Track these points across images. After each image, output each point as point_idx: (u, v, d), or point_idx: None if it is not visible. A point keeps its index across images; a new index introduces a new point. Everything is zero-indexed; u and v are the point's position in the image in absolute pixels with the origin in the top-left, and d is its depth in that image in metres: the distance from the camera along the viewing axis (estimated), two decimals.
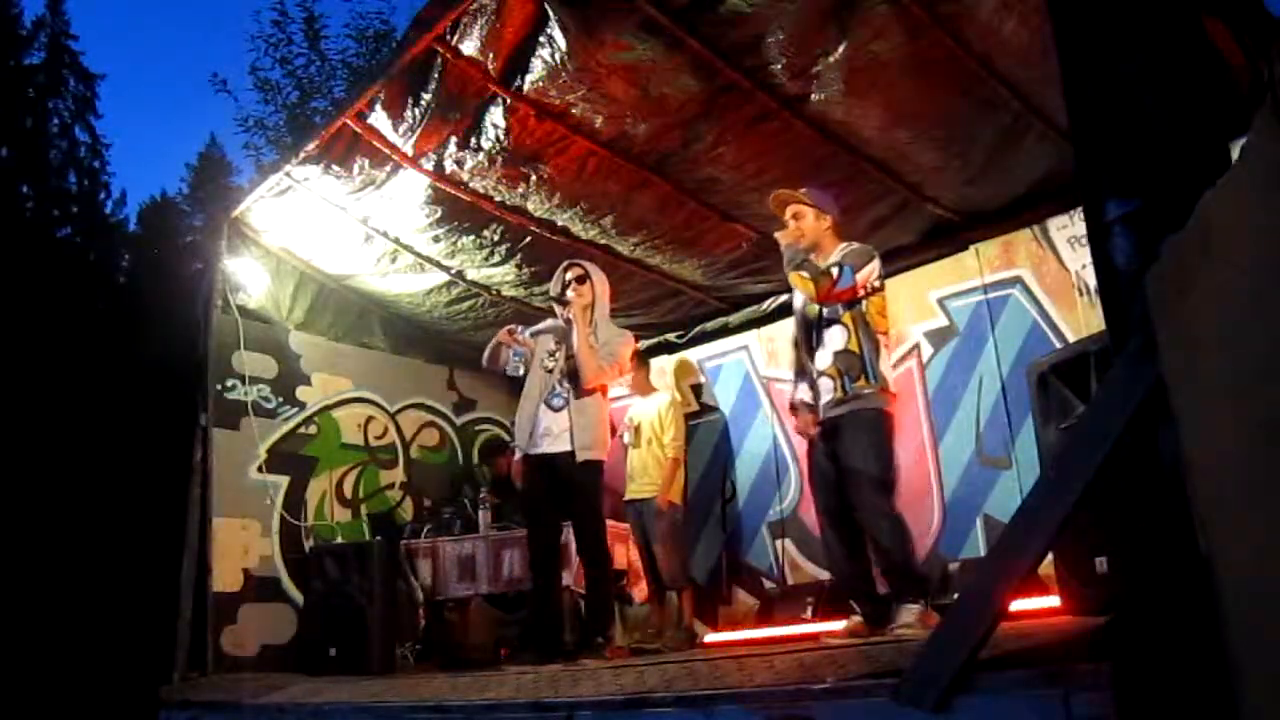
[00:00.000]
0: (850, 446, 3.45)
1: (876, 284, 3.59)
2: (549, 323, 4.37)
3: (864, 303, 3.55)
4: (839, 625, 3.56)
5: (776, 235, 3.67)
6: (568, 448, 4.01)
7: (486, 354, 4.26)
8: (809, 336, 3.67)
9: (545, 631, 4.03)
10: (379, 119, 4.19)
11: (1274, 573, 1.35)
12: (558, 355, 4.17)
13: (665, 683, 2.29)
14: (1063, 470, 1.62)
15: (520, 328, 4.29)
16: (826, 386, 3.56)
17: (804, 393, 3.72)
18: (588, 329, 4.10)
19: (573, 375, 4.09)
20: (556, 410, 4.08)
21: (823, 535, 3.68)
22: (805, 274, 3.48)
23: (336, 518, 5.51)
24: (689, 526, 5.45)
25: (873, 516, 3.40)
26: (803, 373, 3.74)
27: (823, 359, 3.58)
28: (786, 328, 5.56)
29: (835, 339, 3.55)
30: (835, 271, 3.46)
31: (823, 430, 3.59)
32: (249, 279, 5.28)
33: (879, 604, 3.47)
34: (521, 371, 4.19)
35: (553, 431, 4.06)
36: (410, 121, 4.16)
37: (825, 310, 3.58)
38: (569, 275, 4.21)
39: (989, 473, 4.70)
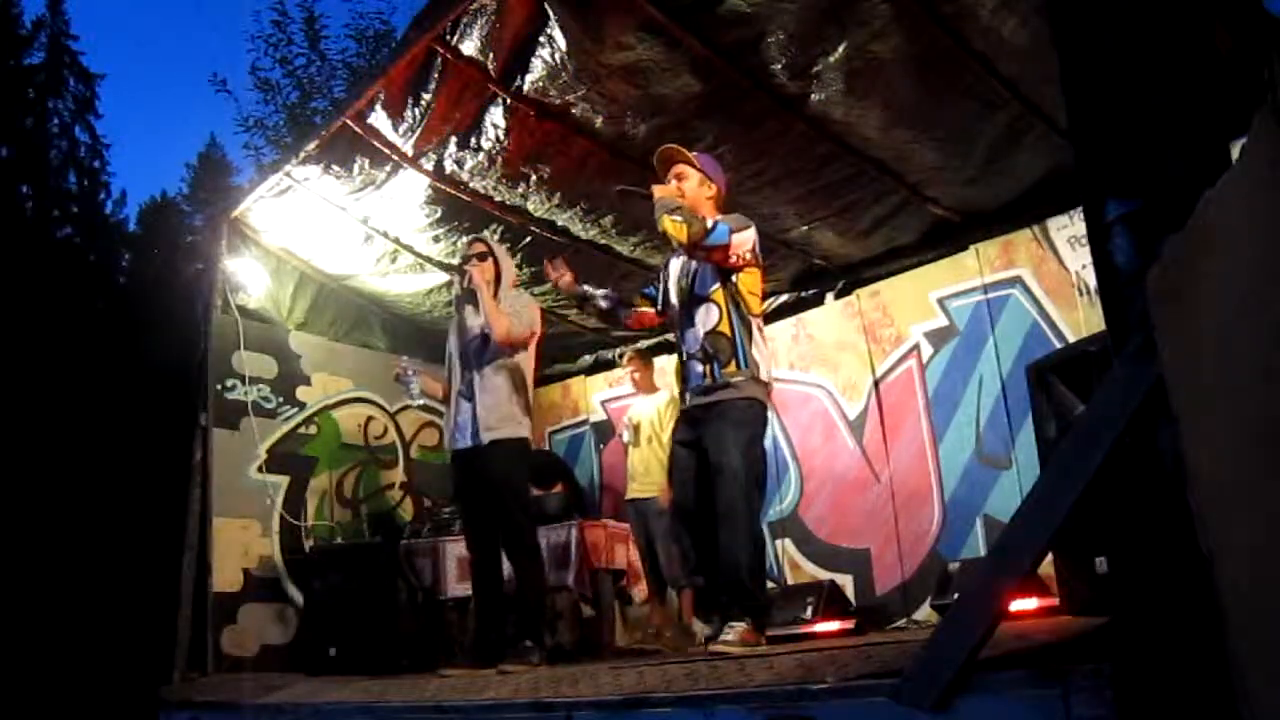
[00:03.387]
0: (717, 439, 3.16)
1: (748, 256, 3.31)
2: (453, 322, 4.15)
3: (735, 279, 3.29)
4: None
5: (654, 187, 3.35)
6: (472, 438, 3.76)
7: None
8: (680, 314, 3.42)
9: (485, 637, 3.81)
10: (379, 119, 4.20)
11: (1274, 573, 1.35)
12: (460, 341, 3.96)
13: (665, 683, 2.29)
14: (1063, 470, 1.61)
15: (405, 358, 4.24)
16: (695, 371, 3.29)
17: (603, 300, 3.62)
18: (491, 295, 3.83)
19: (477, 353, 3.86)
20: (468, 399, 3.83)
21: (676, 538, 3.38)
22: (678, 218, 3.19)
23: (336, 518, 5.51)
24: None
25: (733, 520, 3.09)
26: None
27: (692, 341, 3.32)
28: (786, 328, 5.58)
29: (707, 318, 3.29)
30: (710, 223, 3.22)
31: (687, 419, 3.35)
32: (249, 279, 5.28)
33: (764, 607, 3.26)
34: (419, 398, 4.13)
35: (465, 422, 3.82)
36: (410, 121, 4.16)
37: (698, 288, 3.32)
38: (471, 251, 3.97)
39: (989, 473, 4.69)
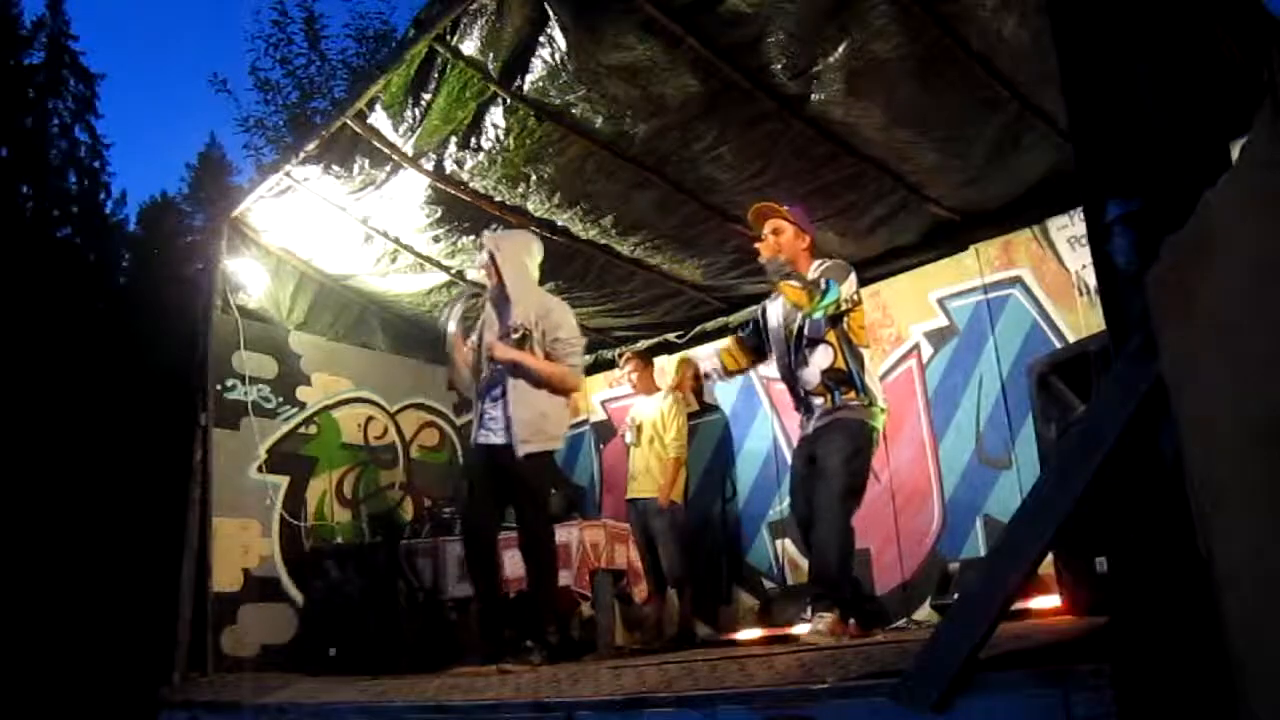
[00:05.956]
0: (829, 449, 3.43)
1: (855, 298, 3.60)
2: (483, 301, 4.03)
3: (845, 319, 3.54)
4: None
5: (757, 246, 3.67)
6: (505, 441, 3.66)
7: (451, 377, 4.01)
8: (789, 355, 3.65)
9: (493, 635, 3.77)
10: (379, 119, 4.19)
11: (1274, 573, 1.35)
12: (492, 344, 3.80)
13: (665, 683, 2.29)
14: (1063, 470, 1.61)
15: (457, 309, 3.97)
16: (816, 404, 3.57)
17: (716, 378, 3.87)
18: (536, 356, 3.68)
19: (518, 368, 3.70)
20: (496, 400, 3.74)
21: (805, 547, 3.64)
22: (795, 284, 3.43)
23: (336, 518, 5.51)
24: (689, 526, 5.46)
25: (826, 518, 3.37)
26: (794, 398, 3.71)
27: (811, 379, 3.57)
28: None
29: (821, 358, 3.55)
30: (823, 284, 3.44)
31: (809, 439, 3.59)
32: (249, 279, 5.28)
33: (867, 606, 3.48)
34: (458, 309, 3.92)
35: (495, 422, 3.72)
36: (410, 121, 4.16)
37: (808, 329, 3.56)
38: (479, 259, 3.87)
39: (989, 473, 4.69)
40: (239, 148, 19.21)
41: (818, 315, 3.47)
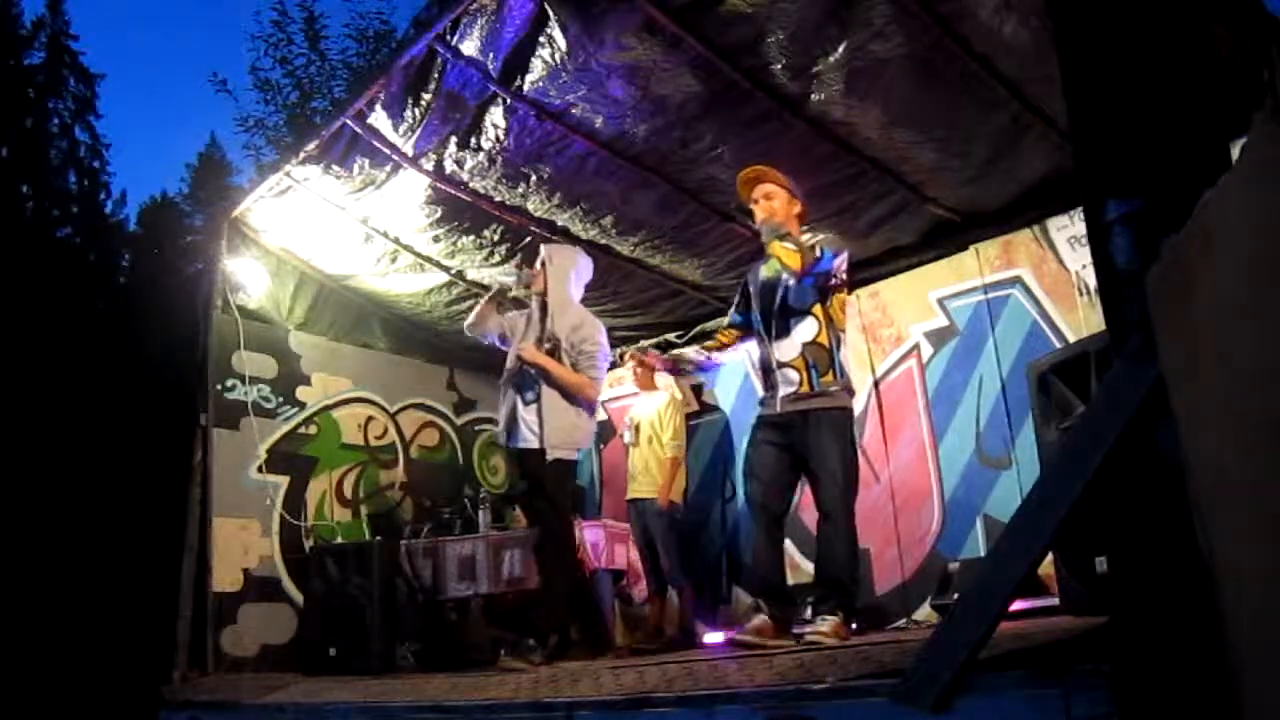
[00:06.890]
0: (823, 448, 3.36)
1: (844, 276, 3.53)
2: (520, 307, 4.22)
3: (830, 297, 3.48)
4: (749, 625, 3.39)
5: (753, 207, 3.58)
6: (536, 445, 3.81)
7: (471, 320, 4.17)
8: (770, 326, 3.55)
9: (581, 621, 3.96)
10: (379, 119, 4.20)
11: (1274, 573, 1.35)
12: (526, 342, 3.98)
13: (665, 683, 2.29)
14: (1063, 470, 1.61)
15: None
16: (790, 379, 3.44)
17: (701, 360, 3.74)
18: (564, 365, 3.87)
19: (543, 372, 3.88)
20: (529, 404, 3.88)
21: (756, 532, 3.48)
22: (790, 246, 3.38)
23: (336, 518, 5.51)
24: (689, 526, 5.46)
25: (835, 522, 3.35)
26: (763, 368, 3.62)
27: (788, 350, 3.47)
28: None
29: (804, 331, 3.46)
30: (818, 251, 3.40)
31: (779, 423, 3.48)
32: (249, 279, 5.28)
33: (790, 607, 3.41)
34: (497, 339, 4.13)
35: (528, 426, 3.86)
36: (410, 121, 4.16)
37: (793, 298, 3.49)
38: (534, 264, 4.04)
39: (989, 473, 4.69)
40: (239, 148, 19.07)
41: (807, 281, 3.41)
